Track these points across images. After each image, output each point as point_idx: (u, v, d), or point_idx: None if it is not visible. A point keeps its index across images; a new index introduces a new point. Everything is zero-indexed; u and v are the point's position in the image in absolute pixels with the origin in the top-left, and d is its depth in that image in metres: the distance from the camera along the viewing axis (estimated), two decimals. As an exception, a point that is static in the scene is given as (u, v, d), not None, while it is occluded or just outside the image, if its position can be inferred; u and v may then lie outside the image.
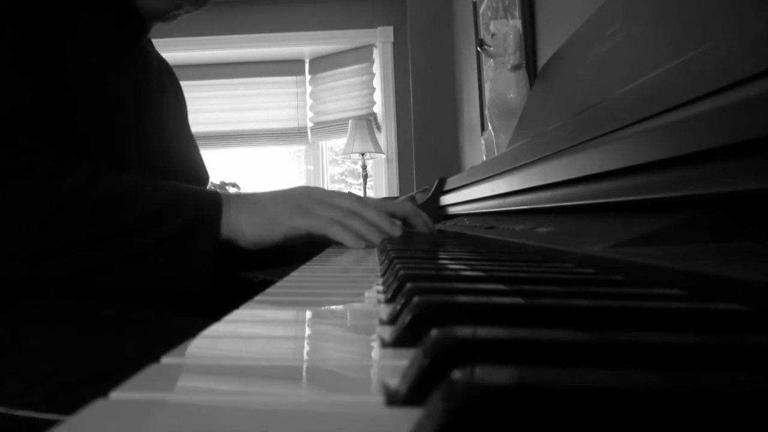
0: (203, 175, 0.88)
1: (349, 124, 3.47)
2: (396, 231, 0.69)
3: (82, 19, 0.62)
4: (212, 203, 0.57)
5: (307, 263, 0.52)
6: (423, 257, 0.45)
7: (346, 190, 4.15)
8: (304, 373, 0.18)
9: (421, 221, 0.79)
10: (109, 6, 0.66)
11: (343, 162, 3.74)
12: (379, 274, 0.42)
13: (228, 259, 0.64)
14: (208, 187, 0.92)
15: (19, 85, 0.53)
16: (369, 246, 0.65)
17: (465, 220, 1.05)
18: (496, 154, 1.26)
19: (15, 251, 0.49)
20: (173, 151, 0.79)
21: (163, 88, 0.80)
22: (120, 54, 0.68)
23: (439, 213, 1.35)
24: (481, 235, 0.69)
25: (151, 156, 0.71)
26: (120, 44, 0.68)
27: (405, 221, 0.79)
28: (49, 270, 0.51)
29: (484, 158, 1.67)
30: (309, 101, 3.89)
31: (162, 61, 0.84)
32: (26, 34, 0.54)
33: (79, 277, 0.52)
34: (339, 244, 0.66)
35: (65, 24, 0.59)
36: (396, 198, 2.51)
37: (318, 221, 0.62)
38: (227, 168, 4.14)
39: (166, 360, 0.18)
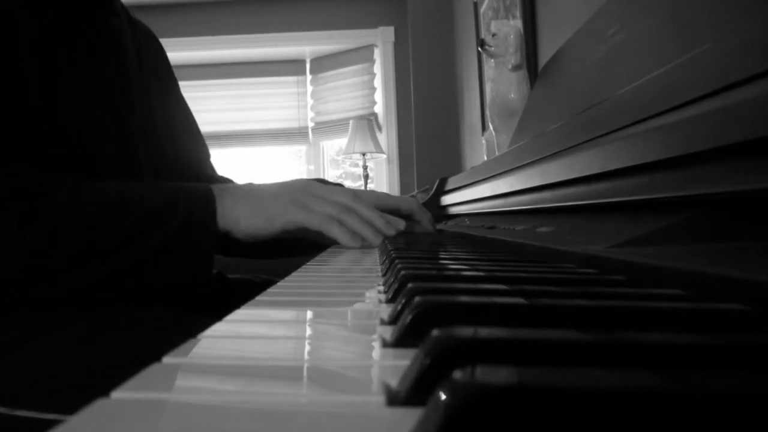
0: (204, 159, 0.84)
1: (350, 124, 3.47)
2: (390, 230, 0.67)
3: (34, 18, 0.57)
4: (205, 200, 0.56)
5: (308, 263, 0.52)
6: (424, 257, 0.45)
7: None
8: (305, 373, 0.18)
9: (426, 218, 0.80)
10: None
11: (344, 162, 3.73)
12: (380, 274, 0.42)
13: (228, 249, 0.63)
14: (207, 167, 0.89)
15: None
16: (365, 245, 0.65)
17: (466, 220, 1.05)
18: (497, 154, 1.26)
19: (20, 272, 0.49)
20: (167, 143, 0.75)
21: (147, 65, 0.74)
22: (75, 41, 0.61)
23: (440, 213, 1.34)
24: (482, 235, 0.69)
25: (140, 155, 0.68)
26: (74, 28, 0.62)
27: (409, 217, 0.78)
28: (55, 287, 0.50)
29: (485, 158, 1.67)
30: (310, 101, 3.89)
31: (139, 31, 0.76)
32: None
33: (86, 289, 0.51)
34: (336, 243, 0.65)
35: (15, 29, 0.55)
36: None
37: (314, 217, 0.61)
38: (228, 168, 4.15)
39: (167, 360, 0.18)
